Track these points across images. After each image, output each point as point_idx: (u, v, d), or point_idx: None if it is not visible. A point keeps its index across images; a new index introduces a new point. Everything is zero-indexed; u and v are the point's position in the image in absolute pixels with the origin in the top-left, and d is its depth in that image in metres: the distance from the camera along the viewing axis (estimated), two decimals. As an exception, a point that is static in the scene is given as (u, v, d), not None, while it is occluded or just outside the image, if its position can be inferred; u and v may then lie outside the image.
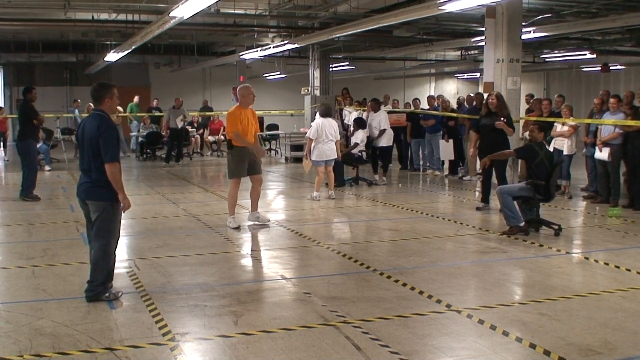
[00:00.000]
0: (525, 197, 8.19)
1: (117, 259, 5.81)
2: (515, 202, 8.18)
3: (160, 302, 5.42)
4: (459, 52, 23.59)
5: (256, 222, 8.89)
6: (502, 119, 9.67)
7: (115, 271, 5.81)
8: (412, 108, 15.60)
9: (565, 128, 11.07)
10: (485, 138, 9.89)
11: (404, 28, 16.12)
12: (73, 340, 4.55)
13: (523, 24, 12.30)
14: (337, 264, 6.95)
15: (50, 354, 4.31)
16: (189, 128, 19.38)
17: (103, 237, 5.44)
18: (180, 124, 17.37)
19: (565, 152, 10.95)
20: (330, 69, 21.55)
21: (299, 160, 17.70)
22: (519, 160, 11.15)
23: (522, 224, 8.13)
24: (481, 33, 14.39)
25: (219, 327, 4.84)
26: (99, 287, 5.47)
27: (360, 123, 13.19)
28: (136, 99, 20.48)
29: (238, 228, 8.56)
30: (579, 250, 7.69)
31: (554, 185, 8.50)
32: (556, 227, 8.21)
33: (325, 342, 4.53)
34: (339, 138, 11.53)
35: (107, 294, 5.49)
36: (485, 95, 10.47)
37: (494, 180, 10.00)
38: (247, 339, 4.60)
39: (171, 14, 11.06)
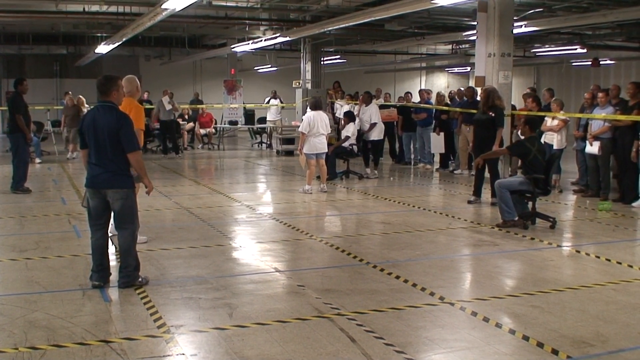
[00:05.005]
0: (525, 191, 8.24)
1: (110, 252, 5.84)
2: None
3: (155, 294, 5.42)
4: (449, 46, 23.63)
5: None
6: (490, 113, 9.71)
7: (110, 264, 5.82)
8: (405, 102, 15.61)
9: (555, 122, 11.12)
10: (476, 132, 10.02)
11: (396, 22, 16.12)
12: (68, 332, 4.55)
13: (514, 18, 12.34)
14: (330, 256, 6.97)
15: (45, 347, 4.30)
16: (180, 120, 19.29)
17: (131, 223, 5.63)
18: (168, 107, 17.24)
19: (555, 147, 10.97)
20: (322, 63, 21.53)
21: (290, 153, 17.69)
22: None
23: (516, 218, 8.19)
24: (472, 27, 14.43)
25: (214, 320, 4.85)
26: (134, 272, 5.62)
27: (350, 116, 13.21)
28: None
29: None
30: (570, 244, 7.75)
31: (551, 179, 8.56)
32: (552, 219, 8.28)
33: (320, 334, 4.56)
34: (329, 131, 11.52)
35: (140, 279, 5.65)
36: (479, 90, 10.51)
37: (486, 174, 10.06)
38: (242, 331, 4.61)
39: (163, 6, 11.00)
